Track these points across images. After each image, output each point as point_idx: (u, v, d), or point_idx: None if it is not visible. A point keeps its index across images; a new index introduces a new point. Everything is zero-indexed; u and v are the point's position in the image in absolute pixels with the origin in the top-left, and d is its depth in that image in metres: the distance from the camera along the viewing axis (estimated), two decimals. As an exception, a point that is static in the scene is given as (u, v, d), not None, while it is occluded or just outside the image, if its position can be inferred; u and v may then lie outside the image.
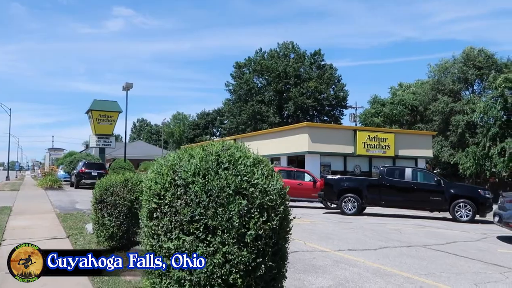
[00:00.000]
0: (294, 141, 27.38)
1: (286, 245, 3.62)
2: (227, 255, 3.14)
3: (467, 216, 14.30)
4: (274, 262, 3.38)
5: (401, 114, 42.78)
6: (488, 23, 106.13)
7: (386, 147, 28.20)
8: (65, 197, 18.73)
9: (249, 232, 3.18)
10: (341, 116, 70.46)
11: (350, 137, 27.67)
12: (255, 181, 3.33)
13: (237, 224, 3.16)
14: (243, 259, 3.14)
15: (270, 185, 3.41)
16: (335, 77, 69.05)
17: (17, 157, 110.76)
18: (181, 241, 3.21)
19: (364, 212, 16.01)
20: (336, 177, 16.31)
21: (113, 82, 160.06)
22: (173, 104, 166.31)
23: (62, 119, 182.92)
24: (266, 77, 68.01)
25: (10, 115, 46.50)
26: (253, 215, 3.23)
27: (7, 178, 45.19)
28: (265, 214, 3.28)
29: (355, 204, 15.18)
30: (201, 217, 3.20)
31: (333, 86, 68.63)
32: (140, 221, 3.88)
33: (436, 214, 16.12)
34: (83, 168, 26.58)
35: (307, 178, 19.34)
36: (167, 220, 3.30)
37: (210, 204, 3.21)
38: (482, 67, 37.77)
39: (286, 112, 68.54)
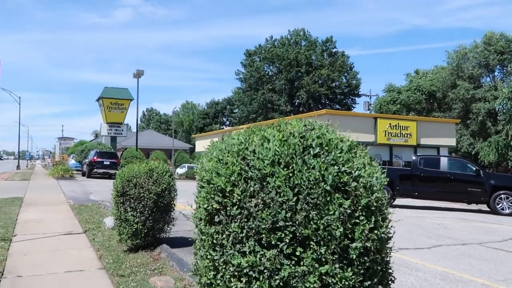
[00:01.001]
0: (312, 129, 26.39)
1: (387, 258, 2.70)
2: (325, 277, 2.24)
3: (509, 208, 13.28)
4: (382, 286, 2.47)
5: (418, 100, 41.54)
6: (501, 10, 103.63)
7: (408, 136, 27.11)
8: (78, 187, 17.98)
9: (353, 244, 2.28)
10: (353, 105, 69.27)
11: (371, 125, 26.61)
12: (356, 173, 2.42)
13: (339, 233, 2.25)
14: (346, 282, 2.24)
15: (374, 178, 2.49)
16: (347, 64, 67.72)
17: (27, 146, 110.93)
18: (258, 256, 2.31)
19: (393, 204, 15.06)
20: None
21: (122, 71, 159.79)
22: (182, 93, 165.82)
23: (71, 109, 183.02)
24: (277, 65, 66.82)
25: (19, 103, 45.90)
26: (358, 221, 2.32)
27: (18, 167, 44.78)
28: (372, 219, 2.37)
29: (387, 195, 14.21)
30: (287, 224, 2.29)
31: (345, 74, 67.39)
32: (195, 227, 2.97)
33: (471, 206, 15.12)
34: (95, 157, 25.85)
35: None
36: (236, 226, 2.40)
37: (299, 206, 2.30)
38: (504, 52, 36.39)
39: (297, 100, 67.46)
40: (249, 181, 2.42)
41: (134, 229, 6.35)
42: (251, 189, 2.39)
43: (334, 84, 66.01)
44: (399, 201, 15.89)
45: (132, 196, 6.39)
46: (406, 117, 31.61)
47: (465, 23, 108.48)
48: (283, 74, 65.13)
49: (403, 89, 44.64)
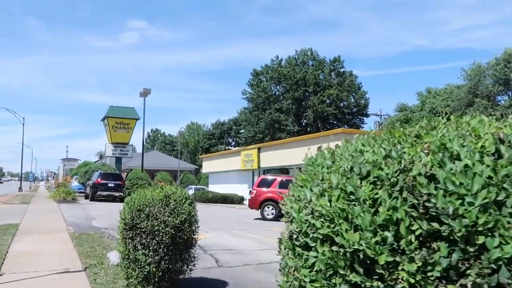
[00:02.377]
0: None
1: None
2: None
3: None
4: None
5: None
6: (502, 31, 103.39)
7: (428, 156, 25.75)
8: (80, 212, 16.67)
9: None
10: (361, 125, 68.07)
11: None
12: None
13: None
14: None
15: None
16: (356, 84, 66.92)
17: (31, 167, 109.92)
18: None
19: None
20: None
21: (127, 93, 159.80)
22: (187, 115, 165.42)
23: (76, 130, 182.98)
24: (284, 85, 66.04)
25: (23, 124, 45.00)
26: None
27: (20, 189, 43.57)
28: None
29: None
30: None
31: (354, 94, 66.49)
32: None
33: None
34: (99, 179, 24.58)
35: None
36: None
37: None
38: (524, 69, 35.26)
39: (305, 120, 66.45)
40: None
41: (146, 272, 5.03)
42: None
43: (342, 104, 65.13)
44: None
45: (143, 230, 5.09)
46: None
47: (467, 43, 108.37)
48: (290, 93, 64.28)
49: (415, 108, 43.49)
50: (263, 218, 17.18)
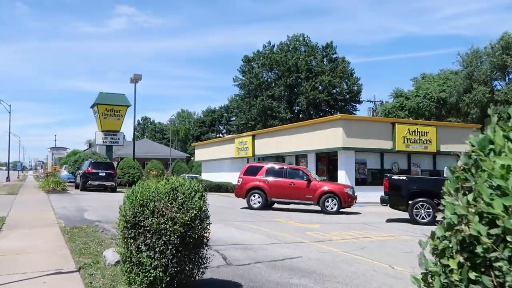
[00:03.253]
0: (325, 136, 24.40)
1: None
2: None
3: None
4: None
5: (428, 107, 39.82)
6: (493, 18, 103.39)
7: (428, 142, 25.23)
8: (71, 203, 15.86)
9: None
10: (354, 112, 67.51)
11: (388, 131, 24.71)
12: None
13: None
14: None
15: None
16: (348, 70, 66.23)
17: (19, 156, 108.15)
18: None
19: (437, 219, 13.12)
20: (404, 177, 13.38)
21: (116, 80, 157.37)
22: (177, 102, 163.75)
23: (65, 118, 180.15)
24: (276, 71, 65.14)
25: (10, 112, 43.68)
26: None
27: (8, 179, 42.44)
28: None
29: (430, 211, 12.28)
30: None
31: (346, 80, 65.86)
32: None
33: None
34: (89, 168, 23.69)
35: (303, 176, 16.69)
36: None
37: None
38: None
39: (297, 107, 65.80)
40: None
41: (152, 277, 4.33)
42: None
43: (335, 91, 64.49)
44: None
45: (148, 228, 4.38)
46: (426, 122, 29.63)
47: (457, 30, 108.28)
48: (282, 80, 63.41)
49: (410, 94, 42.98)
50: (250, 207, 16.81)
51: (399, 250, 7.95)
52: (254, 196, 16.85)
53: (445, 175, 19.99)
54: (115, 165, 31.95)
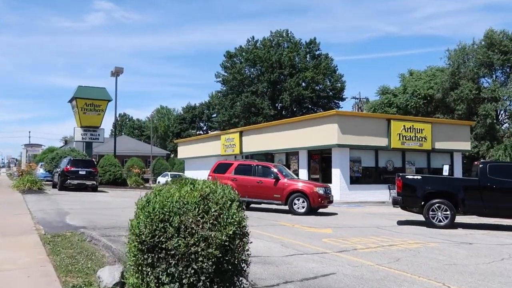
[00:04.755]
0: (319, 132, 23.39)
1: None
2: None
3: None
4: None
5: (416, 104, 39.35)
6: (468, 19, 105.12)
7: (423, 139, 24.51)
8: (50, 205, 14.38)
9: None
10: (337, 109, 66.98)
11: (383, 127, 23.87)
12: None
13: None
14: None
15: None
16: (331, 67, 65.72)
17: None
18: None
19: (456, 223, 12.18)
20: (419, 176, 12.41)
21: (94, 76, 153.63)
22: (155, 99, 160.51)
23: (39, 115, 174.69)
24: (259, 67, 64.06)
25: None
26: None
27: (-22, 177, 40.14)
28: None
29: (448, 213, 11.33)
30: None
31: (330, 77, 65.35)
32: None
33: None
34: (68, 166, 22.08)
35: (271, 174, 15.64)
36: None
37: None
38: (508, 52, 34.52)
39: (280, 104, 64.93)
40: None
41: (178, 321, 3.14)
42: None
43: (318, 87, 63.89)
44: (460, 219, 13.03)
45: (172, 252, 3.19)
46: (421, 118, 28.89)
47: (434, 30, 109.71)
48: (265, 76, 62.36)
49: (398, 91, 42.46)
50: None
51: (440, 262, 6.92)
52: None
53: (444, 173, 19.31)
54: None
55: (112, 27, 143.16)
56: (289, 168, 27.06)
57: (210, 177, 16.93)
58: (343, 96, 67.66)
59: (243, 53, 64.92)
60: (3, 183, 32.06)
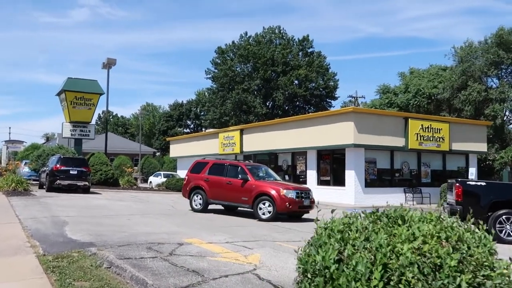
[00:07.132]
0: (332, 131, 21.68)
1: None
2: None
3: None
4: None
5: (419, 104, 38.02)
6: (452, 21, 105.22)
7: (441, 140, 23.01)
8: (41, 211, 12.32)
9: None
10: (329, 108, 65.60)
11: (401, 126, 22.28)
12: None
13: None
14: None
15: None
16: (325, 65, 64.34)
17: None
18: None
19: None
20: (483, 183, 10.75)
21: (76, 73, 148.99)
22: (140, 96, 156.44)
23: (20, 111, 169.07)
24: (252, 64, 62.24)
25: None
26: None
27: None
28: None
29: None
30: None
31: (323, 76, 63.96)
32: None
33: None
34: (57, 165, 19.90)
35: (239, 174, 14.17)
36: None
37: None
38: (518, 51, 33.35)
39: (271, 102, 63.31)
40: None
41: None
42: None
43: (311, 86, 62.43)
44: None
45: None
46: (439, 117, 27.18)
47: (418, 32, 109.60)
48: (259, 73, 60.58)
49: (399, 90, 41.12)
50: (192, 209, 14.80)
51: None
52: (196, 197, 14.87)
53: (469, 177, 17.77)
54: (85, 161, 28.08)
55: (97, 24, 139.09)
56: (296, 169, 25.35)
57: (186, 177, 15.85)
58: (336, 95, 66.49)
59: (235, 49, 63.10)
60: (-17, 182, 29.54)
